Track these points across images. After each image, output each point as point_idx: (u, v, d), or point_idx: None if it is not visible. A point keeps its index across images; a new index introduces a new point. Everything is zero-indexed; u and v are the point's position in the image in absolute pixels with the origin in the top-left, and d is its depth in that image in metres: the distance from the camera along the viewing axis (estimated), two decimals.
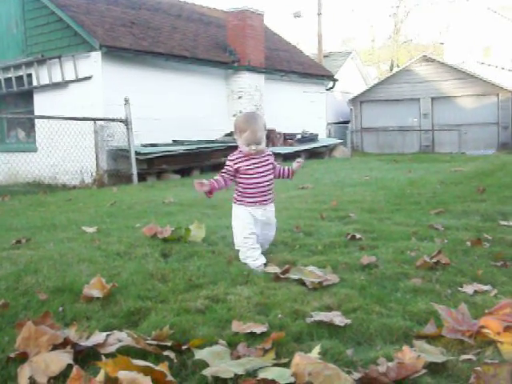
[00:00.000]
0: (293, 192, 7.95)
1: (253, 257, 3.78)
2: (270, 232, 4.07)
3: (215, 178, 3.89)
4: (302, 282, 3.26)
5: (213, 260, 3.90)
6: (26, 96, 14.26)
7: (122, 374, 1.52)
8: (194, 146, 12.91)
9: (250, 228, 3.85)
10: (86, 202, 8.06)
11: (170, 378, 1.61)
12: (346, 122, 28.27)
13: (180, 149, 12.56)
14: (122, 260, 4.01)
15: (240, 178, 3.88)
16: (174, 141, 13.40)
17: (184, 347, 2.30)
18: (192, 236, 4.54)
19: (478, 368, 1.94)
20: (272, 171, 3.98)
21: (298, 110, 18.61)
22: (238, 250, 3.90)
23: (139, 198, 8.28)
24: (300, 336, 2.48)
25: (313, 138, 18.72)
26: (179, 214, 6.20)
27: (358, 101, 28.82)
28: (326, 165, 14.42)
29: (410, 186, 8.27)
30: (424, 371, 2.07)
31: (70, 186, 11.92)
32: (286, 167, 4.15)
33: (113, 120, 11.75)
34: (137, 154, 11.65)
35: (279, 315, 2.72)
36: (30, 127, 14.35)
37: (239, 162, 3.86)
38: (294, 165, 4.10)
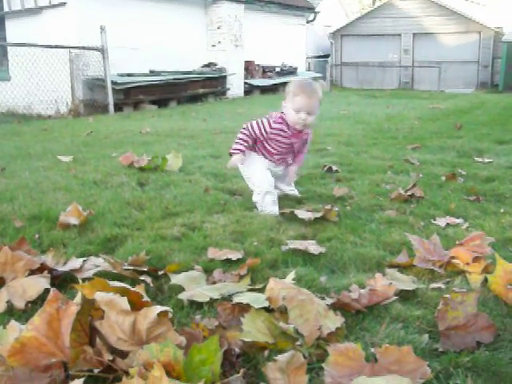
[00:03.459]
0: None
1: (267, 203, 3.37)
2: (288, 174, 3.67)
3: (240, 140, 3.44)
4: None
5: (189, 189, 3.91)
6: None
7: (99, 296, 1.54)
8: (171, 77, 12.70)
9: (265, 172, 3.46)
10: (61, 132, 7.94)
11: (146, 298, 1.63)
12: (326, 56, 27.90)
13: (157, 79, 12.34)
14: (99, 188, 4.00)
15: (267, 139, 3.42)
16: (151, 71, 13.14)
17: (160, 272, 2.33)
18: (169, 165, 4.53)
19: (447, 295, 1.99)
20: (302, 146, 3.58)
21: (278, 43, 18.28)
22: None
23: (115, 128, 8.18)
24: (275, 263, 2.52)
25: (292, 71, 18.50)
26: (156, 144, 6.16)
27: (339, 34, 28.40)
28: None
29: (387, 121, 8.29)
30: (395, 298, 2.13)
31: (45, 116, 11.69)
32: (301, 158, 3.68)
33: (88, 48, 11.45)
34: (113, 83, 11.43)
35: (255, 243, 2.76)
36: (1, 55, 13.93)
37: (278, 123, 3.38)
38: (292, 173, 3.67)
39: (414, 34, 26.58)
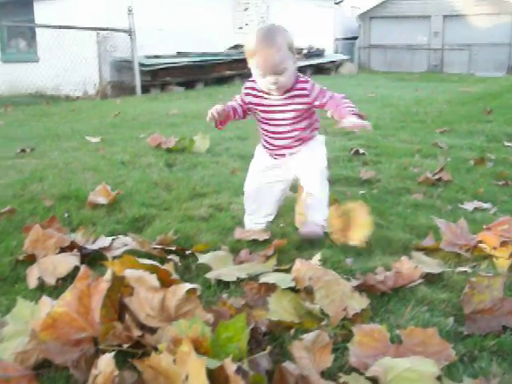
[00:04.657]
0: None
1: (248, 215, 2.83)
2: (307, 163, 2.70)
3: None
4: None
5: (216, 170, 3.94)
6: (26, 4, 13.88)
7: (129, 273, 1.57)
8: (198, 59, 12.69)
9: (254, 179, 2.82)
10: (89, 113, 8.02)
11: (175, 276, 1.66)
12: (354, 38, 27.62)
13: (184, 61, 12.34)
14: (127, 169, 4.04)
15: (258, 120, 2.75)
16: (178, 53, 13.16)
17: (188, 252, 2.36)
18: (196, 147, 4.56)
19: (473, 279, 1.99)
20: (302, 117, 2.64)
21: (305, 25, 18.13)
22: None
23: (143, 109, 8.23)
24: (301, 245, 2.53)
25: (319, 53, 18.35)
26: (183, 126, 6.19)
27: (368, 16, 28.04)
28: (332, 81, 14.20)
29: (416, 105, 8.21)
30: (420, 281, 2.13)
31: (73, 97, 11.81)
32: (347, 108, 2.51)
33: (116, 30, 11.50)
34: (140, 65, 11.47)
35: (281, 224, 2.77)
36: (30, 37, 14.04)
37: (252, 96, 2.66)
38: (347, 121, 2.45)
39: (445, 16, 26.13)
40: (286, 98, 2.60)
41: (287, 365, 1.41)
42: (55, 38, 11.45)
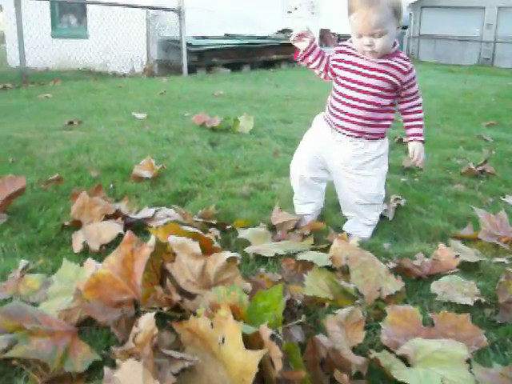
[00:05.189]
0: None
1: (297, 200, 2.72)
2: (359, 191, 2.50)
3: None
4: None
5: (259, 151, 3.98)
6: None
7: (172, 239, 1.63)
8: (245, 41, 12.70)
9: (302, 166, 2.61)
10: (136, 90, 8.12)
11: (216, 244, 1.71)
12: (404, 28, 27.21)
13: (232, 43, 12.38)
14: (171, 145, 4.11)
15: (337, 82, 2.48)
16: (226, 34, 13.20)
17: (228, 227, 2.42)
18: (240, 127, 4.60)
19: (509, 269, 1.99)
20: (386, 94, 2.37)
21: None
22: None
23: (189, 89, 8.30)
24: (340, 226, 2.56)
25: None
26: (228, 106, 6.24)
27: (419, 5, 27.56)
28: None
29: (463, 97, 8.09)
30: (457, 269, 2.14)
31: (120, 74, 11.94)
32: (414, 130, 2.59)
33: (165, 9, 11.58)
34: (188, 45, 11.53)
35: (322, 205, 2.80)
36: (81, 13, 14.22)
37: (345, 53, 2.42)
38: (411, 148, 2.57)
39: (499, 8, 25.52)
40: (382, 64, 2.34)
41: (320, 337, 1.45)
42: (105, 15, 11.59)
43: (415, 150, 2.53)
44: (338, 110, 2.46)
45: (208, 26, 12.64)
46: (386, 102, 2.39)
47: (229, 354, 1.28)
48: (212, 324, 1.34)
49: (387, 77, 2.34)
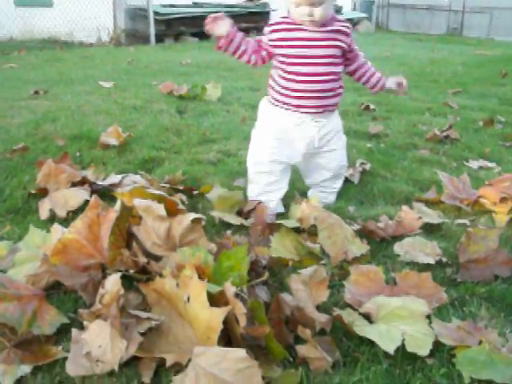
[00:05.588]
0: None
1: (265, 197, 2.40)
2: (326, 166, 2.45)
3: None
4: None
5: (227, 118, 3.98)
6: None
7: (137, 202, 1.64)
8: (213, 9, 12.56)
9: (269, 151, 2.39)
10: (102, 60, 8.00)
11: (181, 207, 1.73)
12: None
13: (199, 11, 12.21)
14: (138, 114, 4.09)
15: (278, 60, 2.32)
16: (194, 3, 13.03)
17: (195, 192, 2.43)
18: (208, 95, 4.59)
19: (470, 229, 2.04)
20: (338, 61, 2.32)
21: None
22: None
23: (156, 58, 8.20)
24: (305, 191, 2.59)
25: (337, 9, 18.12)
26: (195, 75, 6.19)
27: None
28: None
29: (430, 65, 8.13)
30: (419, 231, 2.19)
31: (86, 44, 11.73)
32: (377, 75, 2.49)
33: None
34: (155, 14, 11.36)
35: None
36: None
37: (284, 30, 2.27)
38: (391, 83, 2.50)
39: None
40: (328, 32, 2.25)
41: (284, 296, 1.48)
42: None
43: (395, 79, 2.49)
44: (294, 89, 2.28)
45: None
46: (339, 69, 2.34)
47: (194, 312, 1.31)
48: (177, 284, 1.36)
49: (337, 43, 2.27)
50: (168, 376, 1.31)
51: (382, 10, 27.14)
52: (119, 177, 2.48)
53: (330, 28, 2.26)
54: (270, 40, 2.29)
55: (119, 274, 1.40)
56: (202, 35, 12.42)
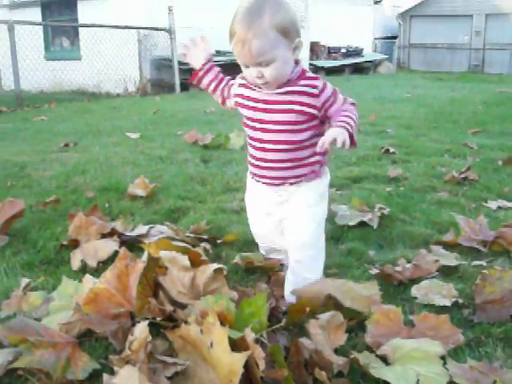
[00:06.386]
0: None
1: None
2: (292, 235, 2.06)
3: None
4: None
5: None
6: (70, 4, 14.25)
7: (163, 253, 1.75)
8: (234, 57, 12.85)
9: (253, 232, 2.28)
10: (129, 110, 8.26)
11: (204, 257, 1.83)
12: (394, 38, 27.45)
13: (222, 59, 12.48)
14: (164, 164, 4.24)
15: (244, 124, 2.08)
16: (217, 51, 13.36)
17: (219, 241, 2.54)
18: (231, 144, 4.73)
19: (485, 271, 2.10)
20: (301, 127, 1.94)
21: (344, 23, 18.17)
22: None
23: (181, 106, 8.44)
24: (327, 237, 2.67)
25: (358, 52, 18.40)
26: (219, 123, 6.36)
27: (408, 15, 27.84)
28: (370, 80, 14.25)
29: (450, 105, 8.24)
30: (436, 273, 2.25)
31: (113, 95, 12.11)
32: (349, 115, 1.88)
33: (156, 29, 11.77)
34: (180, 63, 11.68)
35: None
36: (74, 35, 14.40)
37: (245, 87, 2.03)
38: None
39: (487, 15, 25.78)
40: (283, 94, 1.92)
41: (303, 340, 1.56)
42: (97, 36, 11.76)
43: (333, 132, 1.80)
44: (251, 155, 2.08)
45: None
46: (305, 135, 1.95)
47: (217, 357, 1.39)
48: (201, 330, 1.45)
49: (295, 107, 1.90)
50: None
51: (403, 50, 27.46)
52: (146, 227, 2.60)
53: (288, 89, 1.91)
54: (234, 94, 2.09)
55: (147, 321, 1.49)
56: None
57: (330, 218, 2.89)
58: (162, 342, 1.56)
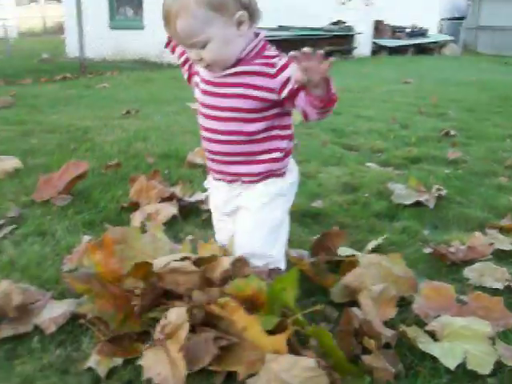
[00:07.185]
0: (394, 86, 7.87)
1: None
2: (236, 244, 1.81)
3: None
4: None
5: (308, 141, 4.12)
6: None
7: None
8: (298, 33, 12.78)
9: (216, 229, 2.04)
10: None
11: None
12: (461, 19, 26.68)
13: (285, 34, 12.46)
14: None
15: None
16: (279, 26, 13.31)
17: None
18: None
19: None
20: (253, 116, 1.68)
21: (410, 2, 17.75)
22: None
23: None
24: (380, 214, 2.68)
25: (422, 32, 17.98)
26: None
27: None
28: (433, 62, 13.97)
29: None
30: (490, 256, 2.24)
31: (174, 65, 12.19)
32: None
33: None
34: None
35: (366, 194, 2.93)
36: (137, 5, 14.53)
37: (194, 67, 1.83)
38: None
39: None
40: (232, 75, 1.67)
41: (354, 309, 1.60)
42: (161, 6, 11.83)
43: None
44: (203, 147, 1.85)
45: (262, 18, 12.73)
46: (259, 126, 1.69)
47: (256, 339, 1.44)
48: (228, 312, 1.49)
49: (246, 92, 1.65)
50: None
51: (470, 32, 26.63)
52: (204, 194, 2.65)
53: (239, 69, 1.66)
54: (193, 70, 1.85)
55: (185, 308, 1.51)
56: None
57: (386, 196, 2.91)
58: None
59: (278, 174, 1.78)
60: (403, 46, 16.25)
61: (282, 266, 1.81)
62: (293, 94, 1.60)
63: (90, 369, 1.47)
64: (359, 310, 1.60)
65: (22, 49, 16.25)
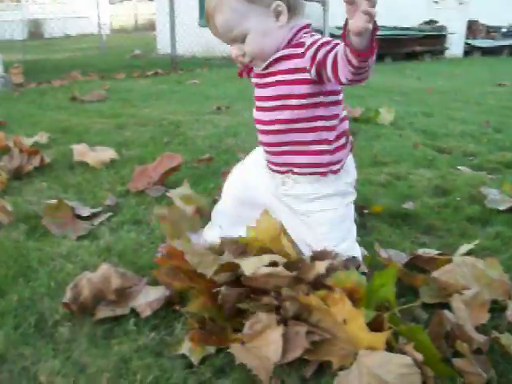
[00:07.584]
0: (488, 88, 7.61)
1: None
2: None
3: None
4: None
5: (399, 143, 4.07)
6: None
7: None
8: (388, 32, 12.58)
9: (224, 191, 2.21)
10: None
11: None
12: None
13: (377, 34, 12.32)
14: None
15: None
16: None
17: (365, 211, 2.59)
18: (380, 119, 4.71)
19: None
20: (295, 103, 1.69)
21: (507, 1, 17.11)
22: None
23: None
24: (472, 219, 2.63)
25: None
26: (369, 98, 6.32)
27: None
28: None
29: None
30: None
31: None
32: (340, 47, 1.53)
33: (310, 0, 11.76)
34: (331, 36, 11.65)
35: (457, 198, 2.87)
36: None
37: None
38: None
39: None
40: (269, 65, 1.70)
41: (446, 312, 1.59)
42: None
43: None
44: (258, 139, 1.92)
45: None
46: (301, 114, 1.71)
47: (354, 334, 1.45)
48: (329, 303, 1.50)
49: (283, 78, 1.68)
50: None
51: None
52: None
53: (275, 56, 1.68)
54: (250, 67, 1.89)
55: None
56: (377, 57, 12.47)
57: (479, 200, 2.84)
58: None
59: (331, 170, 1.82)
60: (498, 46, 15.70)
61: (357, 253, 1.86)
62: (323, 60, 1.55)
63: (183, 354, 1.52)
64: (451, 313, 1.59)
65: (114, 45, 16.85)
